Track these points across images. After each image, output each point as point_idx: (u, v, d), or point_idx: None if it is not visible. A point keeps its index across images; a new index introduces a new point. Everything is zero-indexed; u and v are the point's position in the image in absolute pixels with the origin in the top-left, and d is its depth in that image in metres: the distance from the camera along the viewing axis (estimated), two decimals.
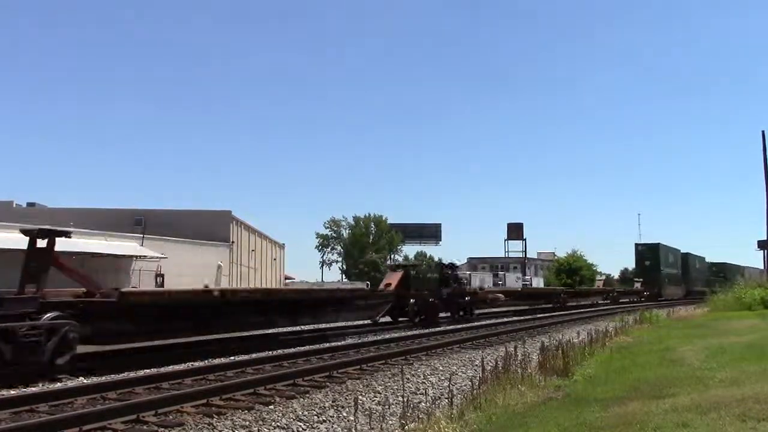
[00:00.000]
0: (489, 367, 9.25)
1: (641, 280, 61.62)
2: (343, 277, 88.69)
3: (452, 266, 28.82)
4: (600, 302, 48.60)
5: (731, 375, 8.77)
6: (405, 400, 7.32)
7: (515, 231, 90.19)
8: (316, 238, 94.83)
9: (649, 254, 62.70)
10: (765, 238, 40.63)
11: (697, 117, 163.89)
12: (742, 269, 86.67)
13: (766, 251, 54.48)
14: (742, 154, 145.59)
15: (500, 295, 31.38)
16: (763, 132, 36.18)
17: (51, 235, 11.67)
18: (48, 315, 10.72)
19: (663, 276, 61.39)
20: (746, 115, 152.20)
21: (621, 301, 50.96)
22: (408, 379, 10.44)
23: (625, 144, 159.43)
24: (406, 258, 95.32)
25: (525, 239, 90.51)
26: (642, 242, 65.53)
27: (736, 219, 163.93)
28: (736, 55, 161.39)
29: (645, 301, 51.38)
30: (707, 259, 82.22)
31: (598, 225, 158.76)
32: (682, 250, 74.81)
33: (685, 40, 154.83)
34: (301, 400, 8.73)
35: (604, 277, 60.44)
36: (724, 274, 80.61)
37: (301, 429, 7.36)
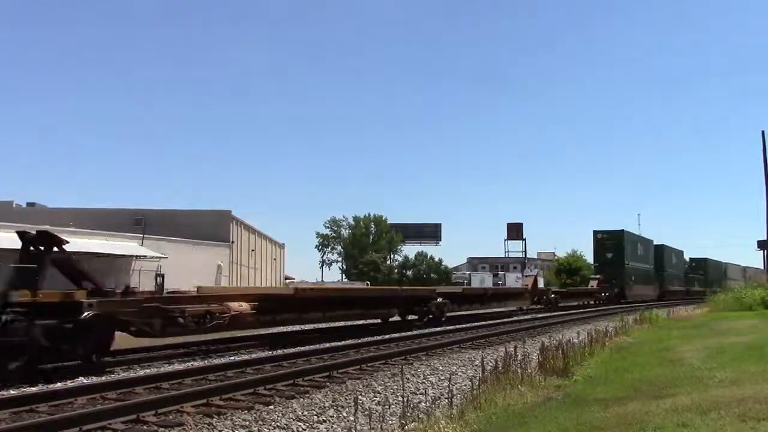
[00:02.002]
0: (489, 367, 9.25)
1: (598, 276, 47.77)
2: (343, 277, 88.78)
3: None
4: (527, 308, 33.46)
5: (731, 375, 8.77)
6: (405, 400, 7.32)
7: (515, 231, 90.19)
8: (316, 238, 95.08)
9: (610, 244, 49.54)
10: (765, 238, 40.59)
11: (697, 117, 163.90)
12: (724, 266, 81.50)
13: (766, 251, 54.46)
14: (742, 154, 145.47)
15: (238, 304, 14.94)
16: (763, 132, 36.17)
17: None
18: None
19: (628, 272, 48.86)
20: (746, 115, 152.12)
21: (564, 305, 36.79)
22: (408, 379, 10.43)
23: (624, 143, 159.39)
24: (406, 259, 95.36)
25: (525, 239, 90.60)
26: (602, 229, 51.59)
27: (735, 219, 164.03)
28: (736, 55, 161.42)
29: (601, 305, 40.58)
30: (686, 254, 71.24)
31: (598, 225, 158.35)
32: (671, 245, 63.79)
33: (685, 40, 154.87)
34: (301, 400, 8.72)
35: (536, 272, 45.37)
36: (704, 271, 73.10)
37: (301, 429, 7.35)
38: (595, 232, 51.37)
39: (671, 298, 53.95)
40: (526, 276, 42.58)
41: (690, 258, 74.15)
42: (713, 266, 77.23)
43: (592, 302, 43.23)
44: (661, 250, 59.26)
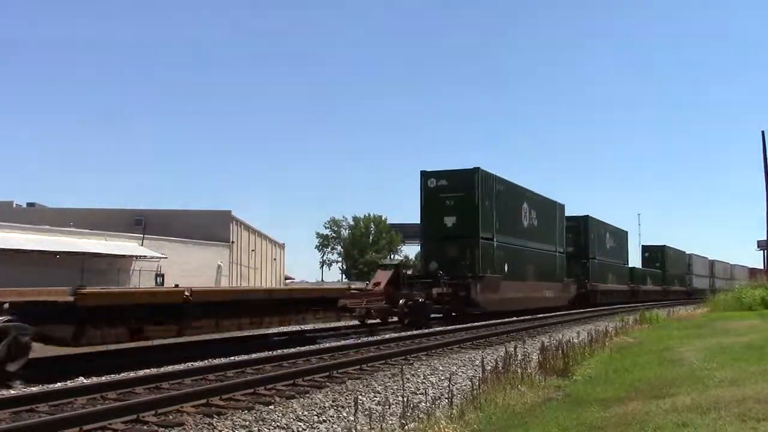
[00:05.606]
0: (489, 367, 9.25)
1: (393, 267, 22.87)
2: (343, 277, 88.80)
3: None
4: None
5: (731, 375, 8.77)
6: (405, 400, 7.32)
7: None
8: (316, 238, 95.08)
9: (452, 198, 24.85)
10: (765, 238, 40.58)
11: (697, 117, 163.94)
12: (688, 257, 66.59)
13: (766, 251, 54.36)
14: (742, 155, 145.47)
15: None
16: (763, 132, 36.04)
17: None
18: None
19: (489, 255, 25.20)
20: (746, 115, 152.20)
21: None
22: (408, 379, 10.43)
23: (625, 143, 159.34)
24: (406, 258, 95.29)
25: None
26: (431, 169, 25.95)
27: (735, 219, 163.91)
28: (735, 55, 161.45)
29: (366, 331, 18.80)
30: (636, 238, 53.80)
31: None
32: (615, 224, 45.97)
33: (685, 39, 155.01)
34: (301, 400, 8.71)
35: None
36: (661, 263, 57.21)
37: (301, 429, 7.35)
38: (424, 174, 25.58)
39: (604, 301, 36.45)
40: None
41: (642, 246, 58.64)
42: (674, 257, 60.15)
43: (352, 324, 20.14)
44: (584, 224, 37.93)
